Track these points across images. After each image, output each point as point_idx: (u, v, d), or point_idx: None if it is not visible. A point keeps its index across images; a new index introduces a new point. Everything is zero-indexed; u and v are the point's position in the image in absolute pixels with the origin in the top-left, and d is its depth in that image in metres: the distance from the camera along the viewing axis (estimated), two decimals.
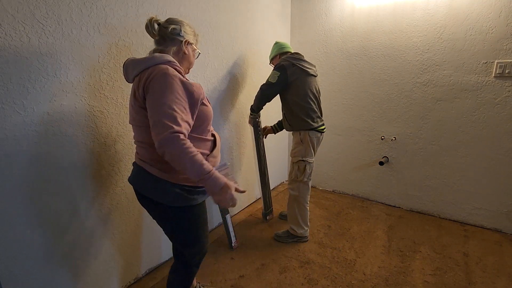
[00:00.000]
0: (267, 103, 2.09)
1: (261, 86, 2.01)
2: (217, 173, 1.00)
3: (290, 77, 1.90)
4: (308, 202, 2.10)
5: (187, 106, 1.03)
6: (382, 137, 2.60)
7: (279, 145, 3.03)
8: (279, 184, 3.19)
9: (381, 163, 2.54)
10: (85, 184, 1.39)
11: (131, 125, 1.22)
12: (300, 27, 2.83)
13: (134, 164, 1.19)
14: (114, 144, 1.49)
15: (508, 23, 1.96)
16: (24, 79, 1.13)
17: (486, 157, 2.19)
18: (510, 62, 1.98)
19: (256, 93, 2.07)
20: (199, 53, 1.29)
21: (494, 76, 2.06)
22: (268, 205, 2.46)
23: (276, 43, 2.15)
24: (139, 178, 1.15)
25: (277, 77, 1.91)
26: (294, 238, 2.12)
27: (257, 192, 2.81)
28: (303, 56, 2.01)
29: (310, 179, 2.06)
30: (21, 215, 1.19)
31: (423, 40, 2.26)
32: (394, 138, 2.54)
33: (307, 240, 2.14)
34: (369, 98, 2.60)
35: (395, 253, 1.99)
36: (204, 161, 0.98)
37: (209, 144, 1.18)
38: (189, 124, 1.02)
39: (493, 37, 2.02)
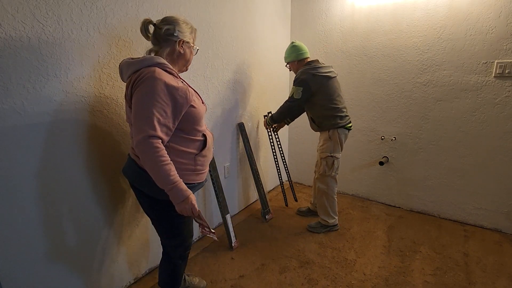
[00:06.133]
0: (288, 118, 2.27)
1: (286, 101, 2.09)
2: (182, 185, 1.06)
3: (313, 88, 1.97)
4: (336, 194, 2.22)
5: (168, 110, 1.05)
6: (382, 137, 2.60)
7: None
8: (279, 185, 3.18)
9: (381, 163, 2.54)
10: (85, 184, 1.39)
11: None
12: (300, 27, 2.83)
13: (128, 155, 1.25)
14: (114, 144, 1.49)
15: (508, 23, 1.96)
16: (24, 79, 1.13)
17: (486, 157, 2.19)
18: (510, 62, 1.98)
19: (281, 105, 2.14)
20: (197, 49, 1.30)
21: (494, 76, 2.06)
22: (265, 205, 2.46)
23: (294, 45, 2.09)
24: (130, 169, 1.21)
25: (301, 93, 1.98)
26: (327, 228, 2.23)
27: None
28: (318, 61, 2.05)
29: (337, 173, 2.17)
30: (21, 214, 1.19)
31: (423, 40, 2.26)
32: (394, 138, 2.54)
33: (338, 228, 2.26)
34: (369, 98, 2.60)
35: (395, 253, 1.99)
36: (172, 172, 1.04)
37: (198, 144, 1.22)
38: (168, 128, 1.06)
39: (493, 37, 2.02)
